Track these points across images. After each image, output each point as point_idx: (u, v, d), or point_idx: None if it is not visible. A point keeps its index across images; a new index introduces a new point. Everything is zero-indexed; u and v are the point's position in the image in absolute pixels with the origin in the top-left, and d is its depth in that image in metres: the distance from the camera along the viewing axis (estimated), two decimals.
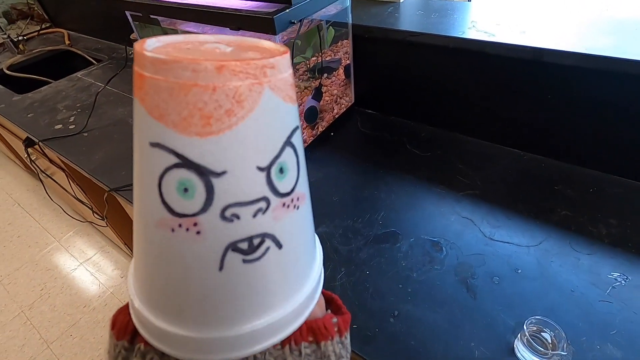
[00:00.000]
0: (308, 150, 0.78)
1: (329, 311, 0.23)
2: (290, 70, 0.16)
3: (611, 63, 0.54)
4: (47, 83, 1.24)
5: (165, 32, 0.80)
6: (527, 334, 0.42)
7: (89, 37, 1.58)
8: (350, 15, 0.75)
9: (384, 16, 0.78)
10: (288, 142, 0.16)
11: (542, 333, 0.43)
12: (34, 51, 1.47)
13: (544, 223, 0.58)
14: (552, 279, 0.51)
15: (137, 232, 0.17)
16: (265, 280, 0.16)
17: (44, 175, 1.31)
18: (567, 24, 0.64)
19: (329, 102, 0.86)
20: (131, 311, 0.19)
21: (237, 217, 0.15)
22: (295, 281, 0.18)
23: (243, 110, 0.14)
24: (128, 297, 0.19)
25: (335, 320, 0.21)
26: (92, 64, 1.36)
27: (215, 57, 0.14)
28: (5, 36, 1.44)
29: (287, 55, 0.16)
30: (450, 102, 0.76)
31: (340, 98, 0.89)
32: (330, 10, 0.74)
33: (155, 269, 0.16)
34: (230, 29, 0.63)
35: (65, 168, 1.05)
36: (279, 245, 0.16)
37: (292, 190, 0.17)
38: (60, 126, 0.98)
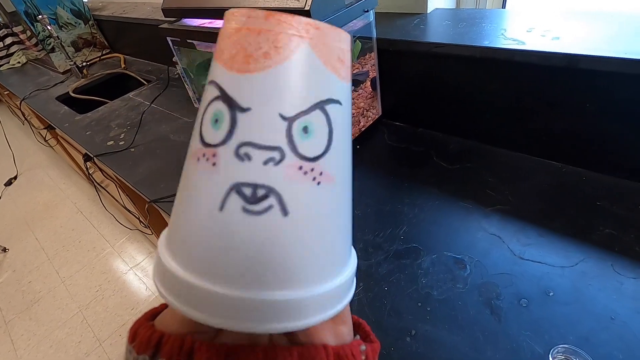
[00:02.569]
0: None
1: (358, 337, 0.22)
2: (342, 46, 0.17)
3: None
4: (104, 103, 1.38)
5: (200, 54, 0.86)
6: None
7: (141, 60, 1.73)
8: (374, 29, 0.76)
9: (410, 28, 0.77)
10: (320, 107, 0.16)
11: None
12: (94, 75, 1.64)
13: (582, 242, 0.54)
14: (588, 304, 0.46)
15: (183, 171, 0.17)
16: (260, 242, 0.15)
17: (99, 186, 1.45)
18: (603, 27, 0.60)
19: (355, 115, 0.86)
20: (155, 273, 0.18)
21: (249, 157, 0.15)
22: (310, 267, 0.16)
23: (279, 55, 0.15)
24: (158, 255, 0.17)
25: (363, 347, 0.20)
26: (143, 84, 1.49)
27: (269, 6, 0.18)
28: (72, 63, 1.62)
29: (340, 31, 0.16)
30: (480, 112, 0.73)
31: (367, 111, 0.89)
32: (356, 24, 0.75)
33: (179, 203, 0.17)
34: None
35: (116, 180, 1.15)
36: (284, 210, 0.15)
37: (316, 158, 0.16)
38: (112, 142, 1.08)
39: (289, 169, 0.15)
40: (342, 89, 0.17)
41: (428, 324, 0.48)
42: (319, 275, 0.17)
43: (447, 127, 0.80)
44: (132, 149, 1.03)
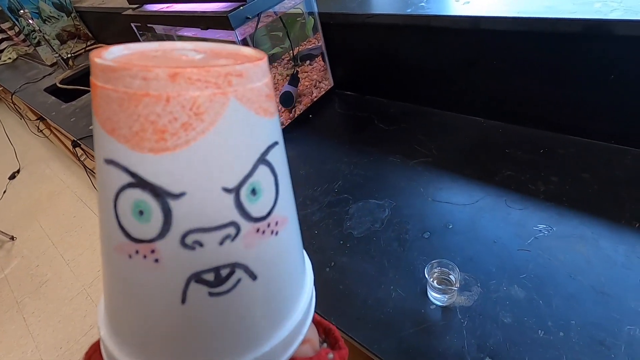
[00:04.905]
0: (285, 132, 0.86)
1: (325, 345, 0.21)
2: (265, 79, 0.15)
3: (542, 24, 0.56)
4: (89, 92, 1.46)
5: (161, 38, 0.93)
6: (428, 275, 0.47)
7: None
8: (314, 4, 0.82)
9: (347, 1, 0.83)
10: (262, 160, 0.14)
11: (449, 275, 0.48)
12: (80, 66, 1.72)
13: (485, 183, 0.61)
14: (479, 232, 0.54)
15: (102, 256, 0.15)
16: (237, 315, 0.15)
17: (91, 171, 1.54)
18: None
19: (308, 87, 0.93)
20: (101, 344, 0.17)
21: (200, 244, 0.13)
22: (278, 314, 0.16)
23: (203, 123, 0.13)
24: (98, 329, 0.17)
25: (331, 356, 0.19)
26: None
27: (179, 65, 0.13)
28: (57, 55, 1.70)
29: (261, 63, 0.14)
30: (414, 77, 0.80)
31: (320, 82, 0.96)
32: (295, 1, 0.81)
33: (116, 297, 0.15)
34: (201, 29, 0.73)
35: None
36: (253, 276, 0.15)
37: (269, 213, 0.15)
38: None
39: (248, 237, 0.14)
40: (274, 125, 0.15)
41: (345, 257, 0.57)
42: (287, 313, 0.17)
43: (389, 93, 0.87)
44: None
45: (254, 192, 0.14)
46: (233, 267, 0.14)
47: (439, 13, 0.65)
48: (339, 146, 0.79)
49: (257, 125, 0.14)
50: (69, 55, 1.74)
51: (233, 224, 0.14)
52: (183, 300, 0.14)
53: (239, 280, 0.14)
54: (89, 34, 1.94)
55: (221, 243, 0.13)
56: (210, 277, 0.14)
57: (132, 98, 0.12)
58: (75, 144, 1.26)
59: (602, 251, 0.48)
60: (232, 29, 0.66)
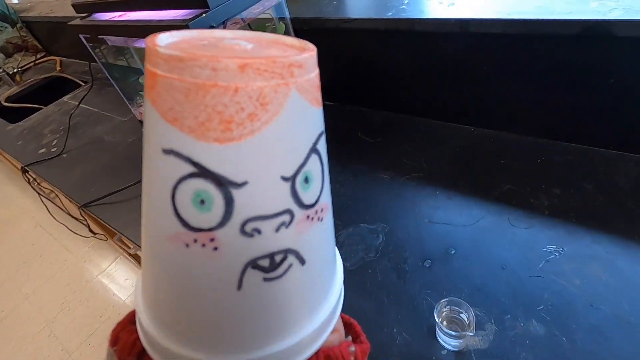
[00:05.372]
0: None
1: (349, 337, 0.22)
2: (317, 70, 0.15)
3: (536, 25, 0.51)
4: (39, 109, 1.32)
5: (115, 50, 0.83)
6: (437, 317, 0.41)
7: (79, 60, 1.65)
8: (286, 10, 0.75)
9: (323, 5, 0.77)
10: (314, 149, 0.15)
11: (460, 314, 0.42)
12: (28, 81, 1.56)
13: (484, 200, 0.56)
14: (484, 257, 0.49)
15: (147, 246, 0.15)
16: (286, 300, 0.15)
17: (46, 198, 1.40)
18: None
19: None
20: (139, 329, 0.17)
21: (259, 231, 0.14)
22: (317, 299, 0.17)
23: (268, 113, 0.13)
24: (136, 314, 0.17)
25: (353, 349, 0.20)
26: (81, 86, 1.43)
27: (236, 55, 0.13)
28: (1, 71, 1.53)
29: (315, 54, 0.15)
30: (397, 84, 0.75)
31: None
32: (265, 4, 0.74)
33: (167, 286, 0.15)
34: None
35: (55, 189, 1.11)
36: (302, 261, 0.15)
37: (317, 201, 0.15)
38: (44, 150, 1.04)
39: (300, 224, 0.15)
40: (322, 115, 0.16)
41: None
42: (324, 298, 0.17)
43: (371, 102, 0.81)
44: (65, 155, 0.99)
45: (306, 180, 0.15)
46: (286, 253, 0.14)
47: (423, 16, 0.60)
48: None
49: (311, 115, 0.15)
50: (16, 70, 1.58)
51: (288, 211, 0.14)
52: (239, 287, 0.14)
53: (290, 266, 0.15)
54: (38, 46, 1.78)
55: (277, 230, 0.14)
56: (265, 263, 0.14)
57: (200, 88, 0.12)
58: (24, 170, 1.13)
59: (620, 273, 0.43)
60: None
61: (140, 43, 0.79)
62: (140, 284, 0.18)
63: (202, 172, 0.13)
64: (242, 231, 0.13)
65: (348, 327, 0.22)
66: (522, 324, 0.42)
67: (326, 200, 0.16)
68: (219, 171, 0.13)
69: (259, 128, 0.13)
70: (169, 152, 0.13)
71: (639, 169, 0.54)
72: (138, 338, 0.17)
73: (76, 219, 1.22)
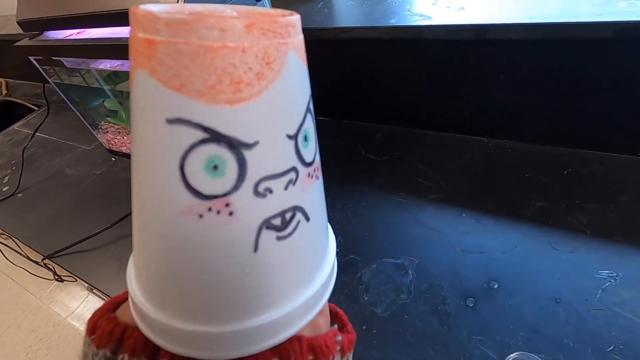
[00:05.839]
0: None
1: (335, 326, 0.22)
2: (302, 33, 0.15)
3: (560, 29, 0.47)
4: None
5: (70, 73, 0.72)
6: None
7: (29, 82, 1.48)
8: None
9: (313, 14, 0.70)
10: (308, 109, 0.15)
11: None
12: None
13: (517, 220, 0.51)
14: (532, 290, 0.44)
15: (148, 229, 0.15)
16: (298, 257, 0.16)
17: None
18: None
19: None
20: (134, 313, 0.16)
21: (270, 191, 0.14)
22: (320, 256, 0.17)
23: (272, 72, 0.13)
24: (131, 298, 0.17)
25: (339, 338, 0.19)
26: (33, 111, 1.27)
27: (224, 14, 0.13)
28: None
29: (299, 17, 0.15)
30: (400, 96, 0.69)
31: None
32: None
33: (177, 264, 0.14)
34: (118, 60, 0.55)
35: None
36: (307, 217, 0.16)
37: (314, 159, 0.16)
38: None
39: (304, 181, 0.15)
40: (307, 74, 0.16)
41: (375, 349, 0.43)
42: (322, 261, 0.18)
43: (372, 116, 0.75)
44: (19, 194, 0.86)
45: (305, 138, 0.15)
46: (294, 210, 0.15)
47: (432, 22, 0.55)
48: (326, 188, 0.65)
49: (305, 75, 0.15)
50: None
51: (294, 169, 0.14)
52: (255, 249, 0.14)
53: (298, 223, 0.15)
54: None
55: (286, 188, 0.14)
56: (277, 221, 0.14)
57: (208, 50, 0.12)
58: None
59: None
60: None
61: (104, 64, 0.68)
62: (133, 269, 0.17)
63: (215, 136, 0.12)
64: (256, 192, 0.13)
65: (334, 316, 0.22)
66: None
67: (319, 159, 0.17)
68: (232, 133, 0.13)
69: (265, 87, 0.13)
70: (174, 121, 0.12)
71: None
72: (117, 326, 0.17)
73: (38, 264, 1.08)
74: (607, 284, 0.42)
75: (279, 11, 0.15)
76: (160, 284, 0.15)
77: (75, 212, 0.76)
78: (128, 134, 0.88)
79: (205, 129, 0.12)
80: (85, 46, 0.58)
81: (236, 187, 0.13)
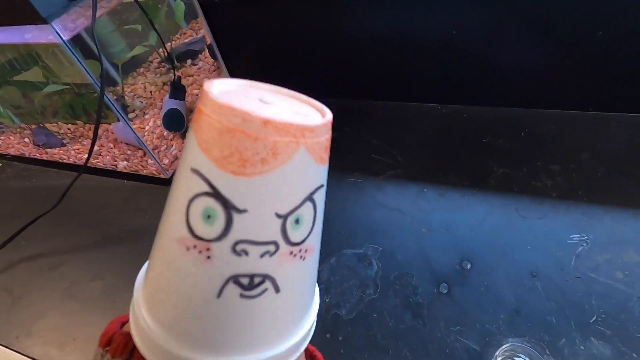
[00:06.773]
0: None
1: None
2: (328, 135, 0.17)
3: None
4: None
5: None
6: None
7: None
8: None
9: None
10: (309, 198, 0.17)
11: (515, 358, 0.32)
12: None
13: (481, 191, 0.47)
14: (506, 265, 0.40)
15: (158, 243, 0.17)
16: (256, 319, 0.17)
17: None
18: None
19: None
20: (131, 320, 0.18)
21: (246, 253, 0.15)
22: (287, 327, 0.18)
23: (276, 161, 0.15)
24: (133, 306, 0.18)
25: None
26: None
27: (259, 107, 0.16)
28: None
29: (329, 123, 0.16)
30: (343, 63, 0.61)
31: None
32: None
33: (163, 283, 0.17)
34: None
35: None
36: (277, 289, 0.17)
37: (303, 241, 0.17)
38: None
39: (282, 256, 0.16)
40: (324, 171, 0.17)
41: (343, 359, 0.37)
42: (292, 330, 0.18)
43: (316, 88, 0.66)
44: None
45: (297, 221, 0.16)
46: (264, 277, 0.16)
47: None
48: None
49: (312, 170, 0.16)
50: None
51: (274, 242, 0.16)
52: (219, 295, 0.16)
53: (265, 290, 0.16)
54: None
55: (262, 256, 0.16)
56: (245, 281, 0.16)
57: (230, 131, 0.14)
58: None
59: None
60: (45, 22, 0.36)
61: None
62: (142, 282, 0.19)
63: (216, 193, 0.15)
64: (233, 249, 0.15)
65: (312, 358, 0.22)
66: (582, 347, 0.34)
67: (313, 243, 0.18)
68: (228, 196, 0.15)
69: (266, 171, 0.15)
70: (195, 171, 0.15)
71: (624, 130, 0.50)
72: (131, 340, 0.18)
73: None
74: (580, 249, 0.40)
75: (314, 109, 0.18)
76: (152, 295, 0.18)
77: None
78: (14, 133, 0.71)
79: (211, 185, 0.15)
80: None
81: (219, 238, 0.15)
